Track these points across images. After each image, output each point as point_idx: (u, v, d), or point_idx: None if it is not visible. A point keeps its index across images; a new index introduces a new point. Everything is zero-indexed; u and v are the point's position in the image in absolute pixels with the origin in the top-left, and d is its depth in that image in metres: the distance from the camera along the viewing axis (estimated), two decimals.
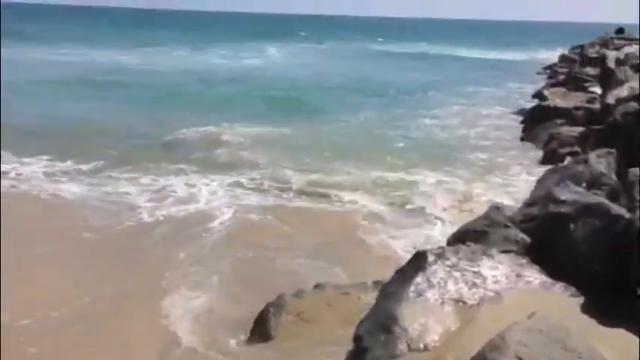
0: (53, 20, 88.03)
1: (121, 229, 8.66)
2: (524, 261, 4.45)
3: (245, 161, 12.49)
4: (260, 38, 60.62)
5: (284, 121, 16.68)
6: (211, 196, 10.20)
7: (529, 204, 5.30)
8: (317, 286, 5.87)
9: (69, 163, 11.86)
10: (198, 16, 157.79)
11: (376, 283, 5.48)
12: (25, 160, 11.86)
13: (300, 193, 10.51)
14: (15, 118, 15.48)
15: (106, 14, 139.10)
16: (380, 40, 71.89)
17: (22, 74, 24.81)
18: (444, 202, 10.14)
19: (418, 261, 4.57)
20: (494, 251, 4.54)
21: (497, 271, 4.31)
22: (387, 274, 5.45)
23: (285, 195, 10.41)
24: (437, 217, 9.43)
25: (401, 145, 14.73)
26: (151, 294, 6.60)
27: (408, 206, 9.96)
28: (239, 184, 10.80)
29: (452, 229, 7.86)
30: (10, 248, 7.19)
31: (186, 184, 10.84)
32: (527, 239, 4.71)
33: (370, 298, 5.07)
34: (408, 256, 4.95)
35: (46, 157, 12.08)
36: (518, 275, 4.28)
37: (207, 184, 10.78)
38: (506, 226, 4.96)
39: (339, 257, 7.72)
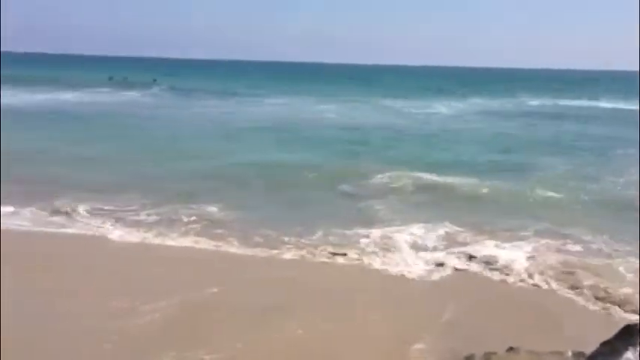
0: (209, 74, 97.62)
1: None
2: None
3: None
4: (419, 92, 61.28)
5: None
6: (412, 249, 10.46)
7: None
8: (510, 350, 5.79)
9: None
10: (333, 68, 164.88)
11: (577, 354, 5.28)
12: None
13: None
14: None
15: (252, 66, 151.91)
16: (529, 94, 67.36)
17: (233, 123, 28.38)
18: None
19: (628, 334, 4.38)
20: None
21: None
22: (588, 346, 5.24)
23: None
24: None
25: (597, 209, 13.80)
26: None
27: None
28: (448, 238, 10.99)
29: None
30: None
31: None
32: None
33: None
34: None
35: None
36: None
37: (412, 234, 11.16)
38: None
39: (535, 321, 7.52)
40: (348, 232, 11.24)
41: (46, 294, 7.97)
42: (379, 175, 16.39)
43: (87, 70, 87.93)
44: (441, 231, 11.47)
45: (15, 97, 40.91)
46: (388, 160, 19.34)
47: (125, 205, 12.65)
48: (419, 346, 6.86)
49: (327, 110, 39.70)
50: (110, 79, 65.55)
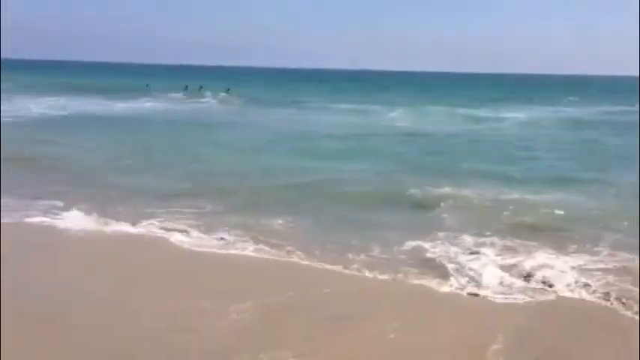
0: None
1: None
2: None
3: None
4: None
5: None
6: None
7: None
8: None
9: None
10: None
11: None
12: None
13: None
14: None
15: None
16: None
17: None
18: None
19: None
20: None
21: None
22: None
23: None
24: None
25: None
26: None
27: None
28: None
29: None
30: None
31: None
32: None
33: None
34: None
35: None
36: None
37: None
38: None
39: (614, 342, 7.32)
40: (414, 246, 11.10)
41: (119, 294, 8.43)
42: (449, 187, 16.03)
43: (163, 79, 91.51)
44: (511, 244, 11.21)
45: (100, 106, 43.46)
46: (460, 170, 19.10)
47: (193, 213, 13.06)
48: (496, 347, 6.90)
49: (395, 118, 39.70)
50: (185, 88, 67.68)
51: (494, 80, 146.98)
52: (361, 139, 27.58)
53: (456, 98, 63.58)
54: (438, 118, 40.41)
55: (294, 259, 10.39)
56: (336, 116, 40.15)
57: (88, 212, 12.64)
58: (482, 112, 45.10)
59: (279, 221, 12.54)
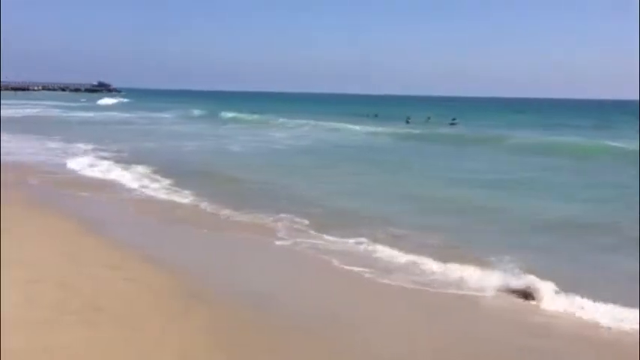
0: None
1: None
2: None
3: None
4: None
5: None
6: None
7: None
8: None
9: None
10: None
11: None
12: None
13: None
14: None
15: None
16: None
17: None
18: None
19: None
20: None
21: None
22: None
23: None
24: None
25: None
26: None
27: None
28: None
29: None
30: None
31: None
32: None
33: None
34: None
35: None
36: None
37: None
38: None
39: None
40: None
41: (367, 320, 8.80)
42: None
43: (393, 109, 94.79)
44: None
45: (336, 134, 47.23)
46: None
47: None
48: None
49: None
50: (407, 120, 68.02)
51: None
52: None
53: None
54: None
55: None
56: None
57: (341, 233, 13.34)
58: None
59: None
